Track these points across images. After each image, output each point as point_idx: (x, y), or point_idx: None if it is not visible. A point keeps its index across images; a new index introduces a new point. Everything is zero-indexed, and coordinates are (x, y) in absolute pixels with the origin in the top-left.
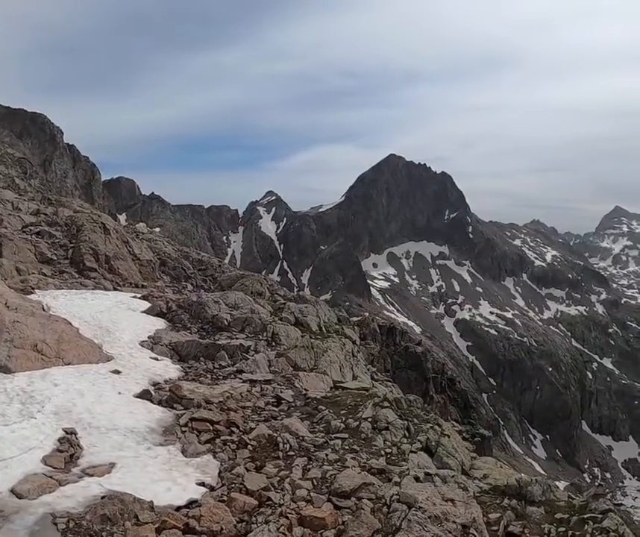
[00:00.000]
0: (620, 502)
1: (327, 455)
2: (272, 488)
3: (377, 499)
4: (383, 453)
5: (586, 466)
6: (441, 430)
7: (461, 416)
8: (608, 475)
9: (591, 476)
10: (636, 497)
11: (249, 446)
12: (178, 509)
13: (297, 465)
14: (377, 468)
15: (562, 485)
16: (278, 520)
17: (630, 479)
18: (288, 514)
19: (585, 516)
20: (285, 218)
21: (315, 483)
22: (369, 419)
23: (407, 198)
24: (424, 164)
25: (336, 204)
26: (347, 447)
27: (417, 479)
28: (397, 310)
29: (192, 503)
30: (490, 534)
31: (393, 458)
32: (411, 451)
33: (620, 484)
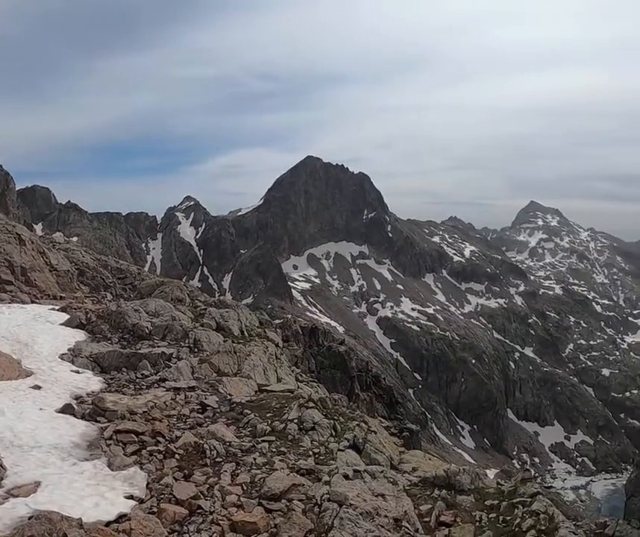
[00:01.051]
0: (550, 484)
1: (255, 459)
2: (202, 496)
3: (308, 499)
4: (311, 453)
5: (515, 453)
6: (367, 427)
7: (388, 412)
8: (536, 460)
9: (520, 462)
10: (565, 479)
11: (176, 455)
12: (108, 524)
13: (226, 470)
14: (306, 468)
15: (492, 472)
16: (210, 528)
17: (558, 462)
18: (219, 522)
19: (515, 500)
20: (204, 223)
21: (245, 488)
22: (295, 420)
23: (326, 199)
24: (342, 165)
25: (254, 207)
26: (274, 450)
27: (346, 477)
28: (320, 311)
29: (121, 517)
30: (422, 525)
31: (321, 457)
32: (339, 450)
33: (549, 467)
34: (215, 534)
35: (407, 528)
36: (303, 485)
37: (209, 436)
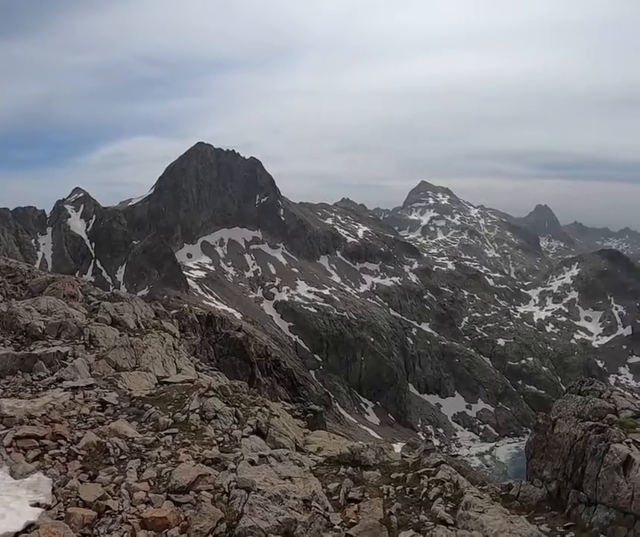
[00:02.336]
0: (456, 453)
1: (159, 453)
2: (109, 496)
3: (216, 488)
4: (215, 442)
5: (419, 425)
6: (270, 412)
7: (291, 395)
8: (441, 430)
9: (425, 434)
10: (470, 446)
11: (79, 456)
12: (16, 535)
13: (131, 467)
14: (212, 457)
15: (398, 446)
16: (121, 528)
17: (462, 430)
18: (129, 520)
19: (420, 471)
20: (94, 216)
21: (152, 483)
22: (197, 411)
23: (217, 186)
24: (233, 150)
25: (145, 197)
26: (178, 442)
27: (252, 462)
28: (216, 298)
29: (29, 527)
30: (332, 504)
31: (226, 445)
32: (243, 436)
33: (454, 436)
34: (126, 533)
35: (317, 508)
36: (210, 474)
37: (112, 434)
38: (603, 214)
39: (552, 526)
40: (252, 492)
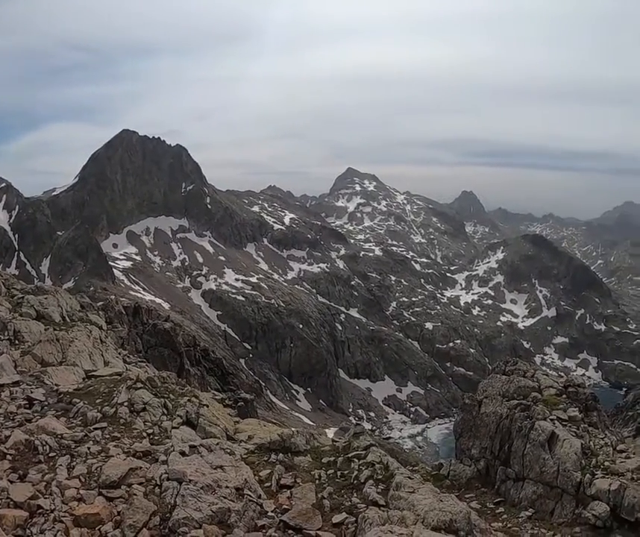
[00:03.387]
0: (388, 436)
1: (89, 448)
2: (40, 495)
3: (147, 481)
4: (145, 434)
5: (351, 410)
6: (199, 402)
7: (221, 384)
8: (372, 414)
9: (356, 418)
10: (402, 429)
11: (8, 456)
12: None
13: (61, 465)
14: (142, 450)
15: (331, 431)
16: (54, 527)
17: (393, 413)
18: (62, 518)
19: (350, 455)
20: (17, 206)
21: (83, 480)
22: (125, 403)
23: (143, 174)
24: (159, 138)
25: (69, 186)
26: (108, 436)
27: (183, 453)
28: (143, 289)
29: None
30: (264, 491)
31: (156, 437)
32: (173, 427)
33: (385, 419)
34: (59, 532)
35: (250, 495)
36: (141, 467)
37: (40, 431)
38: (526, 200)
39: (482, 502)
40: (184, 483)
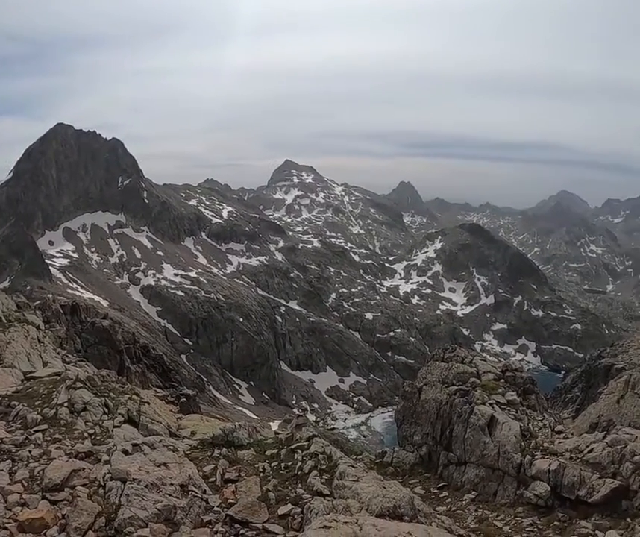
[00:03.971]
0: (332, 426)
1: (30, 452)
2: None
3: (91, 482)
4: (86, 434)
5: (294, 402)
6: (140, 399)
7: (162, 381)
8: (316, 405)
9: (300, 410)
10: (346, 419)
11: None
12: None
13: (2, 470)
14: (84, 451)
15: (275, 424)
16: None
17: (336, 404)
18: (6, 525)
19: (293, 446)
20: None
21: (26, 484)
22: (65, 404)
23: (78, 168)
24: (94, 131)
25: (3, 182)
26: (49, 438)
27: (126, 452)
28: (81, 286)
29: None
30: (209, 486)
31: (98, 437)
32: (114, 426)
33: (329, 410)
34: None
35: (194, 491)
36: (84, 469)
37: None
38: (463, 190)
39: (426, 487)
40: (128, 482)
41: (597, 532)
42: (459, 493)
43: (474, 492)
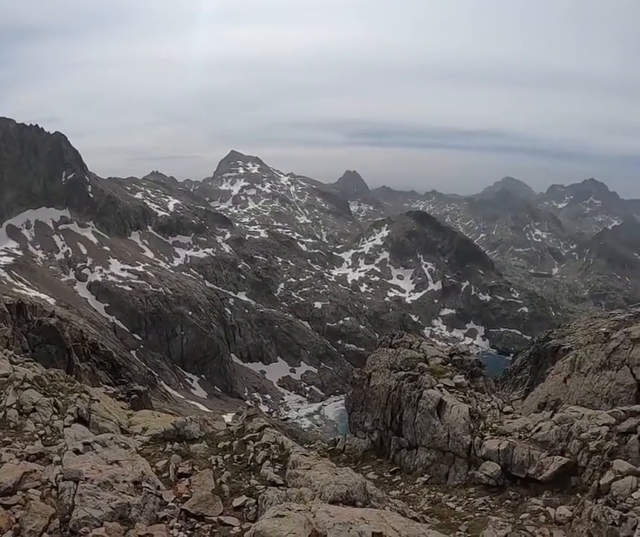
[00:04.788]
0: (286, 416)
1: None
2: None
3: (43, 484)
4: (36, 436)
5: (246, 394)
6: (89, 397)
7: (112, 378)
8: (268, 396)
9: (253, 402)
10: (299, 409)
11: None
12: None
13: None
14: (35, 453)
15: (229, 417)
16: None
17: (289, 394)
18: None
19: (245, 437)
20: None
21: None
22: (14, 405)
23: (21, 164)
24: (37, 125)
25: None
26: None
27: (77, 452)
28: (27, 285)
29: None
30: (162, 482)
31: (48, 438)
32: (65, 426)
33: (282, 401)
34: None
35: (148, 488)
36: (36, 470)
37: None
38: (409, 178)
39: (379, 472)
40: (81, 482)
41: (547, 508)
42: (411, 476)
43: (426, 475)
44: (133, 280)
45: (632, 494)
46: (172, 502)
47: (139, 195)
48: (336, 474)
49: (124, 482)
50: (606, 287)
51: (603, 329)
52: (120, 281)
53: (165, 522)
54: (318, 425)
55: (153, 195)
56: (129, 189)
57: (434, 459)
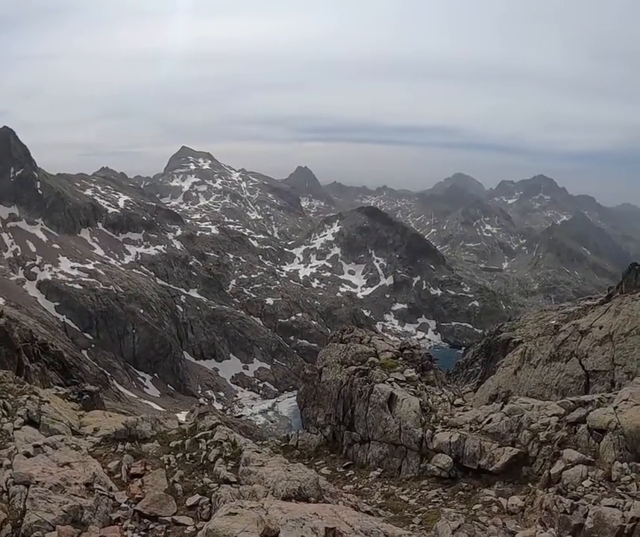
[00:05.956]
0: (240, 413)
1: None
2: None
3: None
4: None
5: (200, 392)
6: (39, 399)
7: (63, 378)
8: (222, 394)
9: (206, 399)
10: (253, 405)
11: None
12: None
13: None
14: None
15: (182, 415)
16: None
17: (242, 391)
18: None
19: (197, 436)
20: None
21: None
22: None
23: None
24: None
25: None
26: None
27: (27, 455)
28: None
29: None
30: (115, 483)
31: None
32: (14, 428)
33: (235, 398)
34: None
35: (100, 489)
36: None
37: None
38: (361, 174)
39: (332, 467)
40: (31, 486)
41: (500, 498)
42: (364, 470)
43: (379, 469)
44: (83, 279)
45: (583, 483)
46: (125, 503)
47: (88, 192)
48: (289, 470)
49: (76, 484)
50: (556, 281)
51: (553, 321)
52: (70, 279)
53: (119, 524)
54: (272, 421)
55: (103, 192)
56: (78, 185)
57: (386, 453)
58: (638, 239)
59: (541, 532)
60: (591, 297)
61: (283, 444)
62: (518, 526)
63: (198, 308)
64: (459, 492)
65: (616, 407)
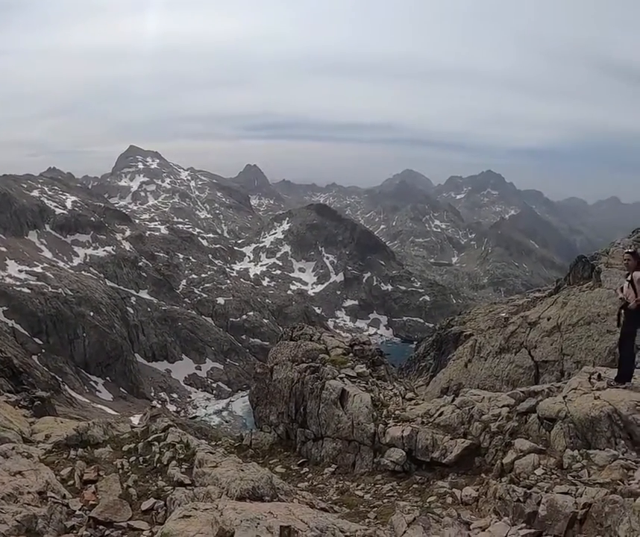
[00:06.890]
0: (194, 415)
1: None
2: None
3: None
4: None
5: (153, 394)
6: None
7: (13, 385)
8: (175, 395)
9: (160, 402)
10: (207, 406)
11: None
12: None
13: None
14: None
15: (136, 418)
16: None
17: (196, 392)
18: None
19: (150, 439)
20: None
21: None
22: None
23: None
24: None
25: None
26: None
27: None
28: None
29: None
30: (68, 490)
31: None
32: None
33: (189, 399)
34: None
35: (54, 497)
36: None
37: None
38: (309, 171)
39: (286, 465)
40: None
41: (453, 490)
42: (319, 467)
43: (333, 465)
44: (31, 282)
45: (535, 471)
46: (80, 510)
47: (35, 193)
48: (242, 470)
49: (29, 493)
50: (505, 274)
51: (503, 314)
52: (18, 283)
53: (74, 531)
54: (227, 421)
55: (50, 193)
56: (25, 186)
57: (340, 449)
58: (585, 232)
59: (495, 522)
60: (539, 289)
61: (236, 444)
62: (472, 516)
63: (149, 309)
64: (414, 485)
65: (565, 396)
